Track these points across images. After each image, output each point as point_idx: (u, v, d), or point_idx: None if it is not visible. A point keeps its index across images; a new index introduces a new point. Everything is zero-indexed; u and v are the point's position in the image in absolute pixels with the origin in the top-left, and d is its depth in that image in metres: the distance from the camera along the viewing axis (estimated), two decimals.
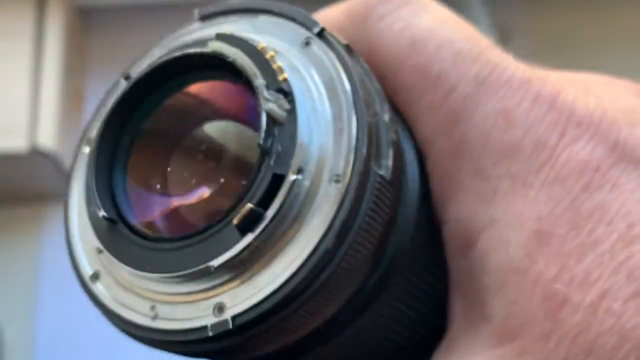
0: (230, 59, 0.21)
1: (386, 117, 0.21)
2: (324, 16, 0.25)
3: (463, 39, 0.23)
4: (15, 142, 0.77)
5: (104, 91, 0.25)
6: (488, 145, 0.22)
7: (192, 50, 0.21)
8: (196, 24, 0.24)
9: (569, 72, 0.25)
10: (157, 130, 0.23)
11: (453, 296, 0.24)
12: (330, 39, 0.22)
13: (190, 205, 0.22)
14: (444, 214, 0.24)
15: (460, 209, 0.23)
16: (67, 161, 0.80)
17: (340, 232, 0.19)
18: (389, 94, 0.23)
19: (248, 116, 0.22)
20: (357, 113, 0.20)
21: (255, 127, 0.21)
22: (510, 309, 0.21)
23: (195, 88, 0.23)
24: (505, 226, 0.22)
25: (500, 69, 0.23)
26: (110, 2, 0.98)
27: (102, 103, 0.24)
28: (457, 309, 0.23)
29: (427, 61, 0.23)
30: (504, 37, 0.99)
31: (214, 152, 0.22)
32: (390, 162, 0.21)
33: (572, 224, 0.21)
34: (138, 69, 0.24)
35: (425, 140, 0.23)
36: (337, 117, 0.20)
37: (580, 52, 0.96)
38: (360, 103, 0.20)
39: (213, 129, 0.23)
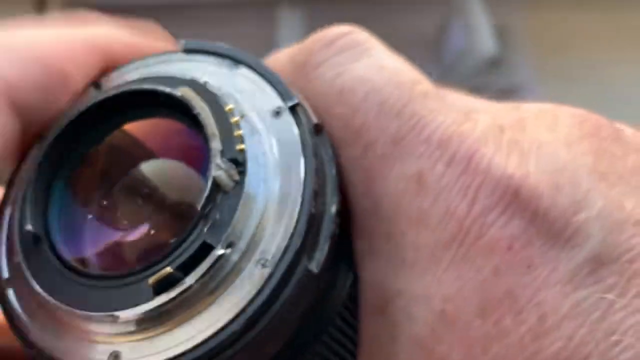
0: (195, 111, 0.20)
1: (333, 209, 0.21)
2: (273, 60, 0.24)
3: (393, 86, 0.21)
4: None
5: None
6: (399, 211, 0.21)
7: (160, 89, 0.21)
8: (179, 54, 0.24)
9: (511, 110, 0.22)
10: (103, 159, 0.22)
11: (360, 357, 0.22)
12: (301, 115, 0.21)
13: (117, 245, 0.22)
14: (359, 272, 0.22)
15: (373, 271, 0.21)
16: None
17: (253, 317, 0.19)
18: None
19: (197, 162, 0.21)
20: (302, 201, 0.20)
21: (200, 172, 0.21)
22: None
23: (149, 124, 0.22)
24: (411, 300, 0.20)
25: (422, 124, 0.21)
26: (111, 2, 0.98)
27: (70, 106, 0.23)
28: None
29: (352, 111, 0.21)
30: (504, 37, 0.99)
31: (151, 197, 0.22)
32: (323, 256, 0.20)
33: (479, 310, 0.19)
34: (109, 83, 0.23)
35: (345, 196, 0.22)
36: (283, 199, 0.20)
37: (579, 51, 0.96)
38: (309, 192, 0.20)
39: (157, 168, 0.22)
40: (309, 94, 0.22)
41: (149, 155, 0.22)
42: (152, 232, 0.21)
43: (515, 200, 0.19)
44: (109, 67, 0.24)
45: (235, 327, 0.18)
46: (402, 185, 0.21)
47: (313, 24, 0.32)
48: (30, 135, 0.22)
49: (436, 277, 0.20)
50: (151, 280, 0.18)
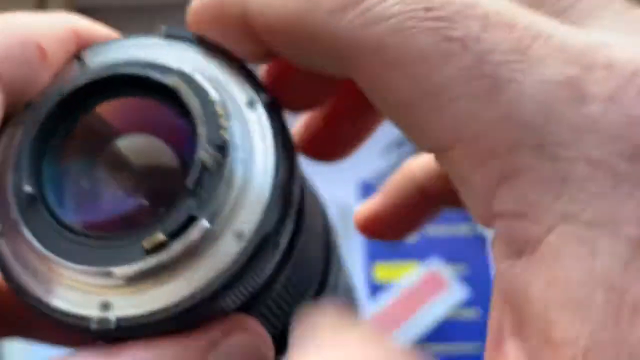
0: (185, 100, 0.23)
1: (297, 190, 0.24)
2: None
3: (490, 2, 0.19)
4: None
5: None
6: (554, 119, 0.17)
7: (155, 77, 0.24)
8: (159, 39, 0.26)
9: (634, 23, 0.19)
10: (89, 131, 0.25)
11: (496, 312, 0.19)
12: (275, 109, 0.24)
13: (108, 209, 0.24)
14: (489, 207, 0.19)
15: (515, 198, 0.18)
16: None
17: (227, 281, 0.22)
18: (382, 77, 0.20)
19: (180, 140, 0.24)
20: (273, 186, 0.23)
21: (181, 150, 0.24)
22: (599, 336, 0.16)
23: (131, 101, 0.24)
24: (588, 226, 0.17)
25: (546, 34, 0.18)
26: (110, 2, 0.98)
27: (55, 78, 0.25)
28: (504, 325, 0.18)
29: (448, 25, 0.19)
30: None
31: (134, 168, 0.25)
32: (289, 232, 0.24)
33: None
34: (94, 58, 0.26)
35: (453, 118, 0.19)
36: (258, 180, 0.23)
37: None
38: (278, 179, 0.23)
39: (139, 142, 0.25)
40: (375, 19, 0.19)
41: (132, 129, 0.24)
42: (138, 200, 0.24)
43: None
44: (83, 44, 0.26)
45: (212, 287, 0.22)
46: (551, 91, 0.17)
47: None
48: (10, 104, 0.24)
49: (624, 196, 0.16)
50: (146, 243, 0.22)
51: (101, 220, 0.24)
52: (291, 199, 0.24)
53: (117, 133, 0.25)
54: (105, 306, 0.22)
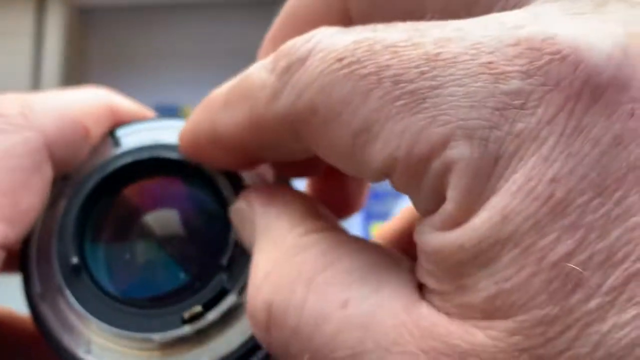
0: (218, 184, 0.26)
1: None
2: (245, 79, 0.23)
3: (399, 33, 0.20)
4: None
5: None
6: (477, 106, 0.18)
7: (192, 162, 0.26)
8: (183, 123, 0.27)
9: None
10: (122, 206, 0.27)
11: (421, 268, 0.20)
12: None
13: (141, 279, 0.26)
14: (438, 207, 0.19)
15: (453, 188, 0.18)
16: None
17: (250, 349, 0.25)
18: None
19: (205, 215, 0.27)
20: None
21: (206, 224, 0.26)
22: (502, 286, 0.17)
23: (164, 181, 0.27)
24: (505, 195, 0.17)
25: (458, 37, 0.19)
26: (110, 2, 0.98)
27: (91, 154, 0.27)
28: (423, 277, 0.19)
29: (360, 65, 0.20)
30: None
31: (170, 241, 0.27)
32: None
33: (598, 189, 0.17)
34: (127, 137, 0.28)
35: (385, 142, 0.20)
36: None
37: None
38: None
39: (168, 217, 0.27)
40: (299, 91, 0.21)
41: (161, 204, 0.27)
42: (169, 271, 0.26)
43: (622, 65, 0.17)
44: (117, 120, 0.28)
45: (239, 352, 0.24)
46: (469, 83, 0.18)
47: None
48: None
49: (541, 159, 0.17)
50: (186, 314, 0.24)
51: (135, 289, 0.26)
52: None
53: (149, 208, 0.27)
54: None
